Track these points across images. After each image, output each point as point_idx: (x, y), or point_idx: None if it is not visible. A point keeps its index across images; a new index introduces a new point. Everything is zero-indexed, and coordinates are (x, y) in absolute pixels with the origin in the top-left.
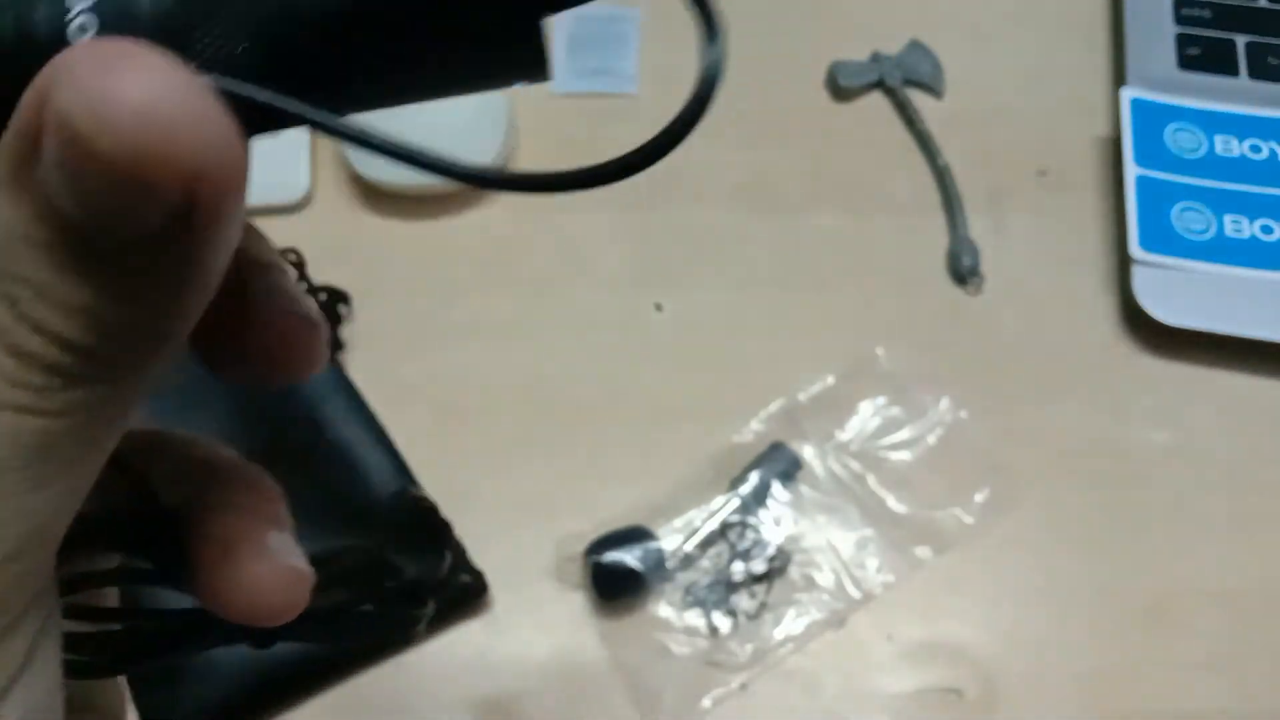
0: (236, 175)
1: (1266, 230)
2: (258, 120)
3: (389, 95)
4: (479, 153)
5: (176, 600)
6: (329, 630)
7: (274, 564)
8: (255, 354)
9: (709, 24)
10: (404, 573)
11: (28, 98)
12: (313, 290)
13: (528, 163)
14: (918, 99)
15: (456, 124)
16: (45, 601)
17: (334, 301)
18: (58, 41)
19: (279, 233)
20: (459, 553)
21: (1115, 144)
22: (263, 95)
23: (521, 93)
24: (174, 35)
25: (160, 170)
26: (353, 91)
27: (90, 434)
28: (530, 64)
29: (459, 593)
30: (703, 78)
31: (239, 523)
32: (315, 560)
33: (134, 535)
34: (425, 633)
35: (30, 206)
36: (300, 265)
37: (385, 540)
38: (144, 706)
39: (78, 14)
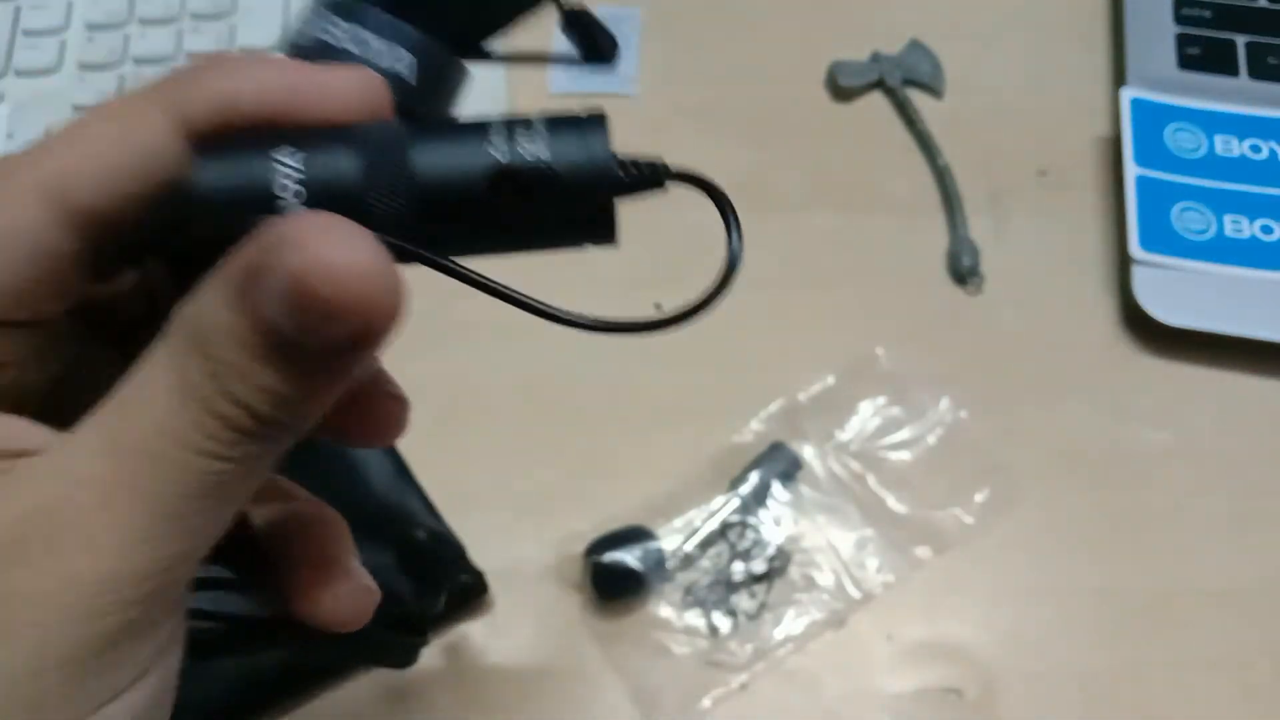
0: (398, 310)
1: (1266, 230)
2: (404, 258)
3: (495, 249)
4: None
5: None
6: (328, 645)
7: (355, 583)
8: (358, 425)
9: (731, 222)
10: (405, 602)
11: (258, 245)
12: None
13: None
14: (918, 99)
15: None
16: (179, 613)
17: None
18: (271, 204)
19: None
20: (459, 556)
21: (1115, 144)
22: (420, 254)
23: (521, 93)
24: (356, 202)
25: (354, 309)
26: (470, 246)
27: (249, 479)
28: (605, 234)
29: (459, 592)
30: (727, 265)
31: (329, 548)
32: None
33: (229, 550)
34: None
35: (248, 318)
36: None
37: (396, 569)
38: None
39: (293, 185)
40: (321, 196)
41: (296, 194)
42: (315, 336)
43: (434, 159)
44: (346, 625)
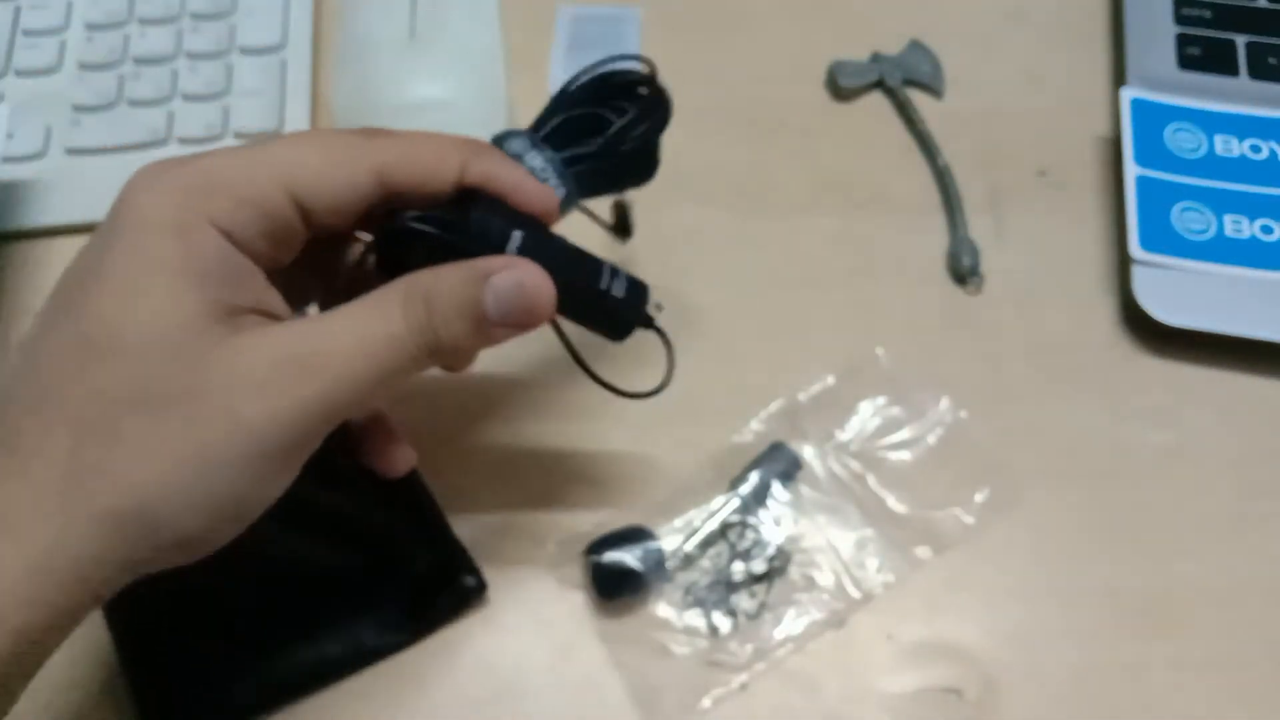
0: (541, 324)
1: (1266, 230)
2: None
3: (571, 316)
4: None
5: None
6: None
7: (408, 451)
8: (374, 462)
9: (672, 360)
10: (402, 603)
11: (498, 263)
12: None
13: None
14: (918, 99)
15: (457, 124)
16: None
17: None
18: (501, 246)
19: None
20: (460, 554)
21: (1115, 144)
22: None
23: (521, 94)
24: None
25: (533, 315)
26: (564, 311)
27: (409, 378)
28: (623, 336)
29: (459, 593)
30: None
31: (393, 426)
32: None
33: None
34: (424, 633)
35: (473, 295)
36: None
37: (396, 568)
38: (143, 706)
39: (516, 242)
40: (527, 248)
41: (516, 249)
42: (502, 317)
43: (578, 270)
44: (397, 472)
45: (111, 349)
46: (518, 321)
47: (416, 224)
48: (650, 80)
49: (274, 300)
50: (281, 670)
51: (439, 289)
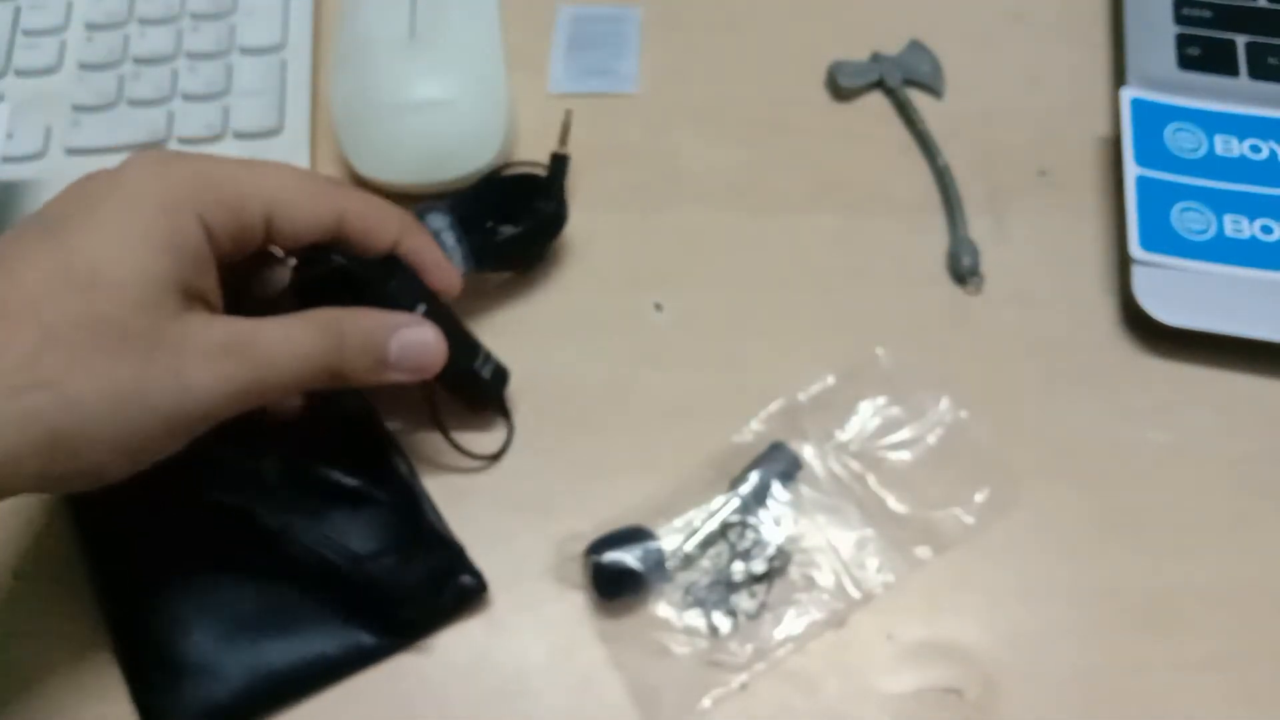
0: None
1: (1266, 230)
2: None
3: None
4: (479, 153)
5: None
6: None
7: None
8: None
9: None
10: (402, 600)
11: (407, 321)
12: None
13: (527, 163)
14: (918, 99)
15: (457, 124)
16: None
17: None
18: (410, 309)
19: None
20: (459, 556)
21: (1115, 144)
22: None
23: (521, 94)
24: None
25: (424, 369)
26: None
27: (310, 387)
28: (482, 409)
29: (458, 592)
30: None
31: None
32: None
33: None
34: (423, 633)
35: (380, 342)
36: None
37: (395, 568)
38: (143, 706)
39: (421, 311)
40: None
41: (421, 312)
42: (398, 364)
43: (461, 349)
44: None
45: (92, 283)
46: (410, 371)
47: (353, 267)
48: (549, 191)
49: (217, 296)
50: (280, 671)
51: (355, 327)
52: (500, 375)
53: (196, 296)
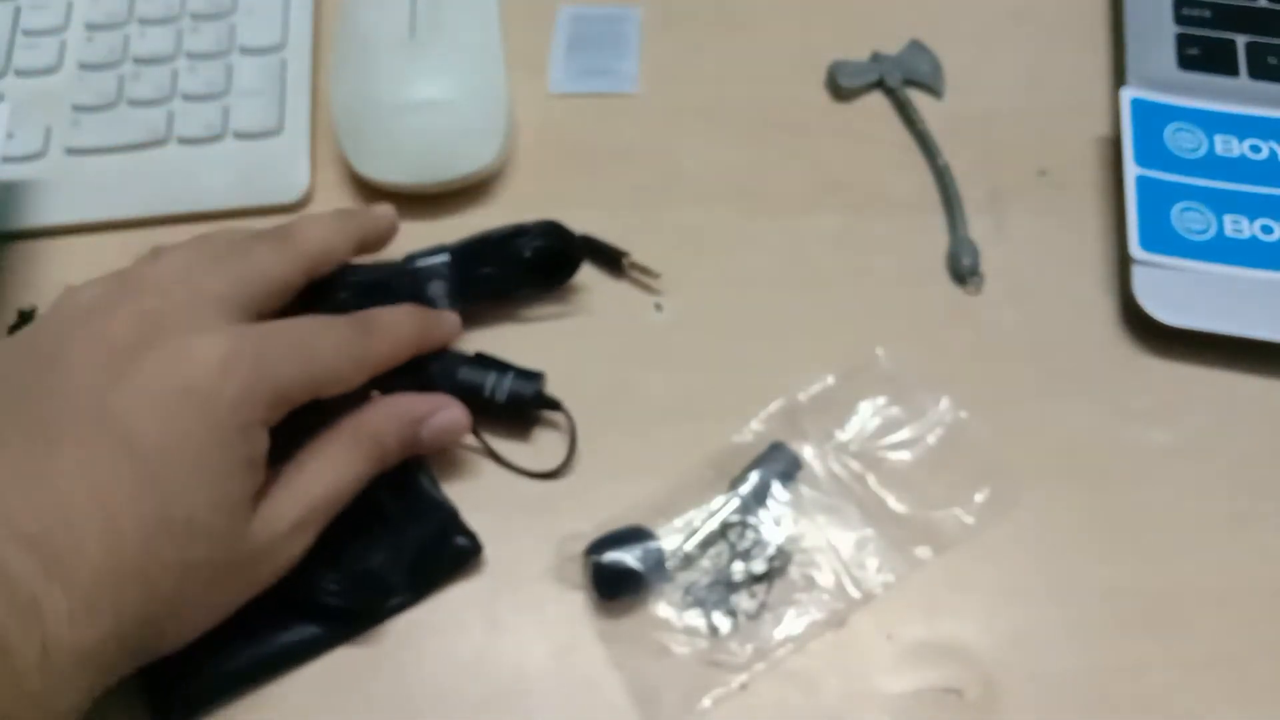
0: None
1: (1266, 230)
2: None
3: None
4: (479, 152)
5: None
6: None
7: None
8: None
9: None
10: (393, 567)
11: (434, 419)
12: None
13: (527, 162)
14: (918, 99)
15: (457, 124)
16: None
17: None
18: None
19: None
20: (451, 517)
21: (1115, 144)
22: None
23: (521, 94)
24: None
25: (451, 440)
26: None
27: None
28: (517, 418)
29: (454, 554)
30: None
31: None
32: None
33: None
34: (421, 596)
35: (411, 449)
36: None
37: (387, 533)
38: (146, 692)
39: (432, 372)
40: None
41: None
42: (431, 445)
43: (469, 388)
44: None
45: (191, 534)
46: (442, 446)
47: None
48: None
49: (261, 453)
50: (277, 639)
51: (387, 430)
52: (519, 393)
53: (262, 472)
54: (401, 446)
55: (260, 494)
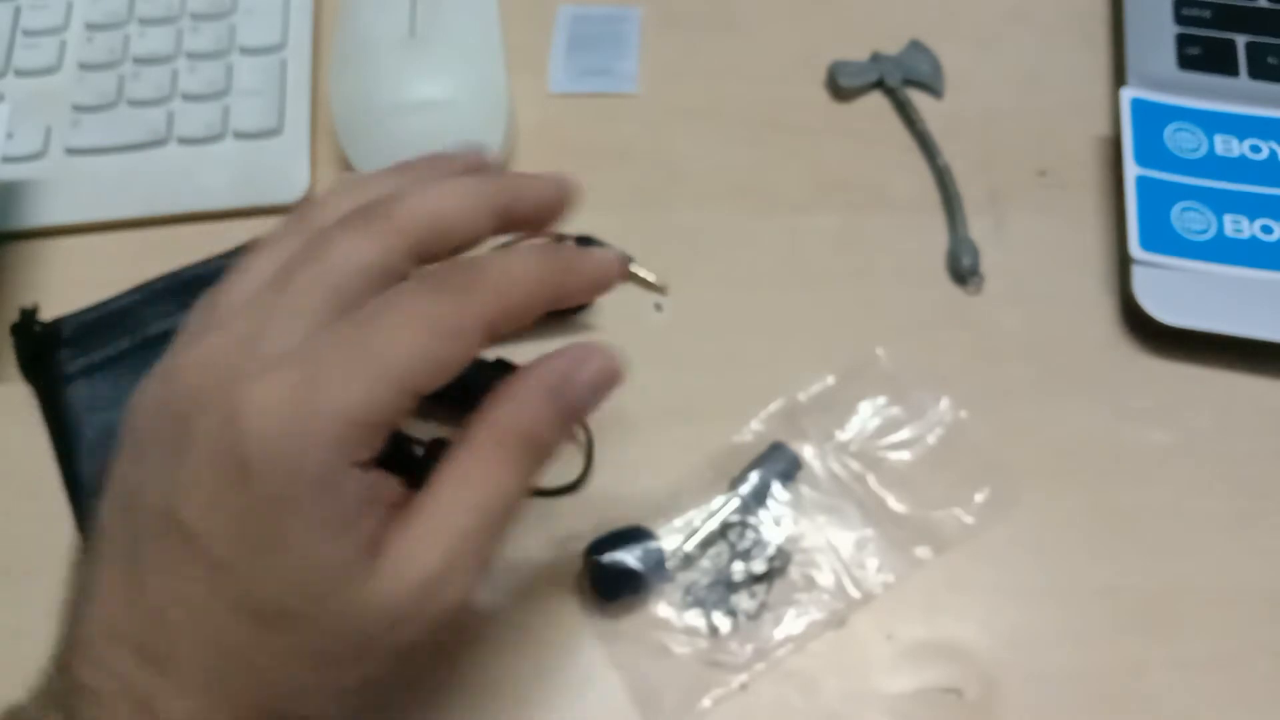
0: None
1: (1266, 230)
2: None
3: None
4: None
5: None
6: None
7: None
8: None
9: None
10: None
11: (561, 361)
12: None
13: (527, 163)
14: (918, 99)
15: (457, 124)
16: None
17: None
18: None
19: None
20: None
21: (1115, 144)
22: None
23: (522, 92)
24: None
25: (614, 383)
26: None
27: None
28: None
29: None
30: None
31: None
32: None
33: None
34: None
35: (559, 403)
36: None
37: None
38: None
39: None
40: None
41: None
42: (595, 400)
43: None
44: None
45: (285, 617)
46: (597, 404)
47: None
48: None
49: (391, 488)
50: None
51: (531, 414)
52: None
53: (378, 525)
54: (555, 428)
55: (390, 538)
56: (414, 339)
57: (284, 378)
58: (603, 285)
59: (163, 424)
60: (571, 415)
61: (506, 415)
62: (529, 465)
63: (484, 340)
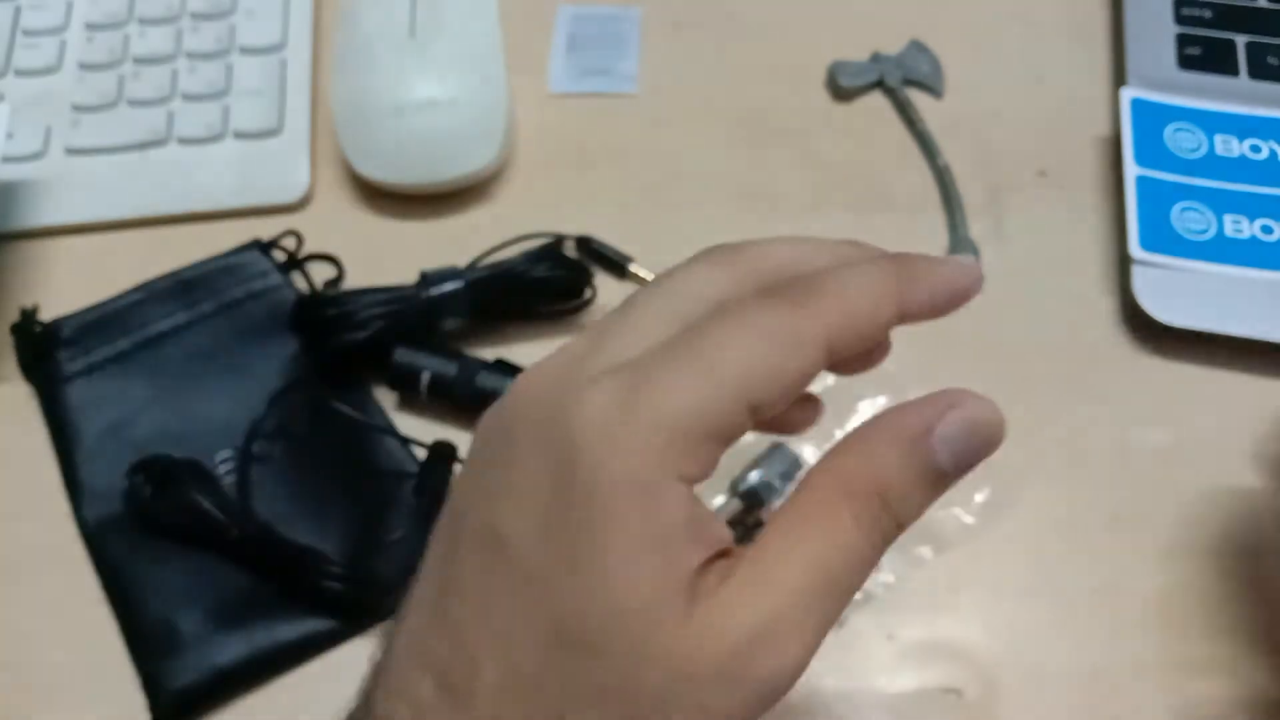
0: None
1: (1266, 230)
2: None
3: None
4: (479, 152)
5: None
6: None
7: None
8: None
9: None
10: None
11: (916, 415)
12: (299, 263)
13: (527, 162)
14: (918, 99)
15: (457, 124)
16: None
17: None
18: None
19: (278, 231)
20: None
21: (1115, 144)
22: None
23: (522, 92)
24: None
25: (994, 443)
26: None
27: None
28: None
29: None
30: None
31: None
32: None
33: None
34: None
35: (921, 462)
36: (299, 244)
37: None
38: (145, 672)
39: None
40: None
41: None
42: (968, 464)
43: (497, 385)
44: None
45: (591, 646)
46: (973, 464)
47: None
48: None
49: (720, 531)
50: (278, 635)
51: (887, 468)
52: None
53: (704, 563)
54: (915, 484)
55: (709, 585)
56: (749, 346)
57: (612, 383)
58: (959, 296)
59: (495, 439)
60: (937, 471)
61: (856, 463)
62: (882, 525)
63: (825, 355)
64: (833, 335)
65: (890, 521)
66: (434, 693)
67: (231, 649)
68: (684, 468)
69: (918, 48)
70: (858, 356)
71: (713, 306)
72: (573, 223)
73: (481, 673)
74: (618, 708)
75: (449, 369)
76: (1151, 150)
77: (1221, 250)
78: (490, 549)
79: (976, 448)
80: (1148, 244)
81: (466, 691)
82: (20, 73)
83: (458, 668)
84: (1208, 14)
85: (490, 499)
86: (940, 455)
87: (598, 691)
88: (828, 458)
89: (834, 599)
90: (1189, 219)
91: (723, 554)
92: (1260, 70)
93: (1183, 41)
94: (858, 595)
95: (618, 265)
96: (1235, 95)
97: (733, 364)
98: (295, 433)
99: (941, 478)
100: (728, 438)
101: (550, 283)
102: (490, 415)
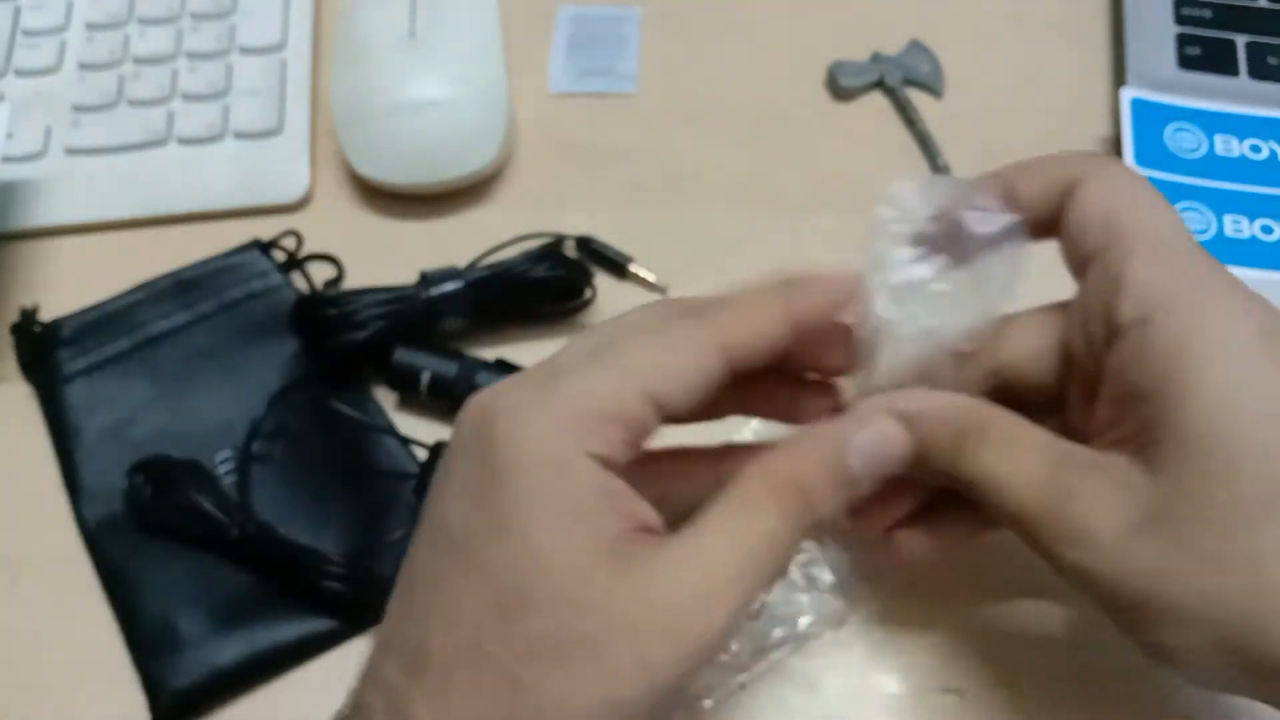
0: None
1: (1266, 230)
2: None
3: None
4: (479, 152)
5: None
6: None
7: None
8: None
9: None
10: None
11: (859, 437)
12: (299, 263)
13: (527, 162)
14: (918, 99)
15: (457, 124)
16: None
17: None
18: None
19: (278, 231)
20: None
21: (1115, 144)
22: None
23: (522, 92)
24: None
25: (903, 458)
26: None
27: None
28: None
29: None
30: None
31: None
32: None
33: None
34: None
35: (838, 468)
36: (299, 244)
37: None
38: (145, 672)
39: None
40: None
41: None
42: (878, 472)
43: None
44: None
45: (523, 603)
46: (878, 476)
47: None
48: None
49: (644, 511)
50: (279, 635)
51: (804, 467)
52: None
53: (627, 533)
54: (829, 483)
55: (643, 552)
56: (649, 347)
57: (528, 380)
58: (841, 299)
59: (448, 451)
60: (850, 475)
61: (784, 464)
62: (800, 517)
63: (721, 357)
64: (727, 340)
65: (808, 515)
66: (400, 675)
67: (232, 649)
68: (591, 445)
69: (918, 48)
70: (814, 355)
71: (636, 330)
72: (573, 223)
73: (431, 646)
74: (554, 655)
75: (449, 369)
76: (1151, 150)
77: (1221, 250)
78: (438, 535)
79: (883, 459)
80: None
81: (421, 668)
82: (20, 73)
83: (415, 647)
84: (1208, 14)
85: (437, 495)
86: (853, 462)
87: (537, 645)
88: (762, 458)
89: (757, 576)
90: (1189, 219)
91: (648, 530)
92: (1260, 70)
93: (1183, 41)
94: (857, 595)
95: (618, 265)
96: (1235, 95)
97: (634, 360)
98: (295, 433)
99: (854, 481)
100: (634, 423)
101: (550, 283)
102: (451, 433)
